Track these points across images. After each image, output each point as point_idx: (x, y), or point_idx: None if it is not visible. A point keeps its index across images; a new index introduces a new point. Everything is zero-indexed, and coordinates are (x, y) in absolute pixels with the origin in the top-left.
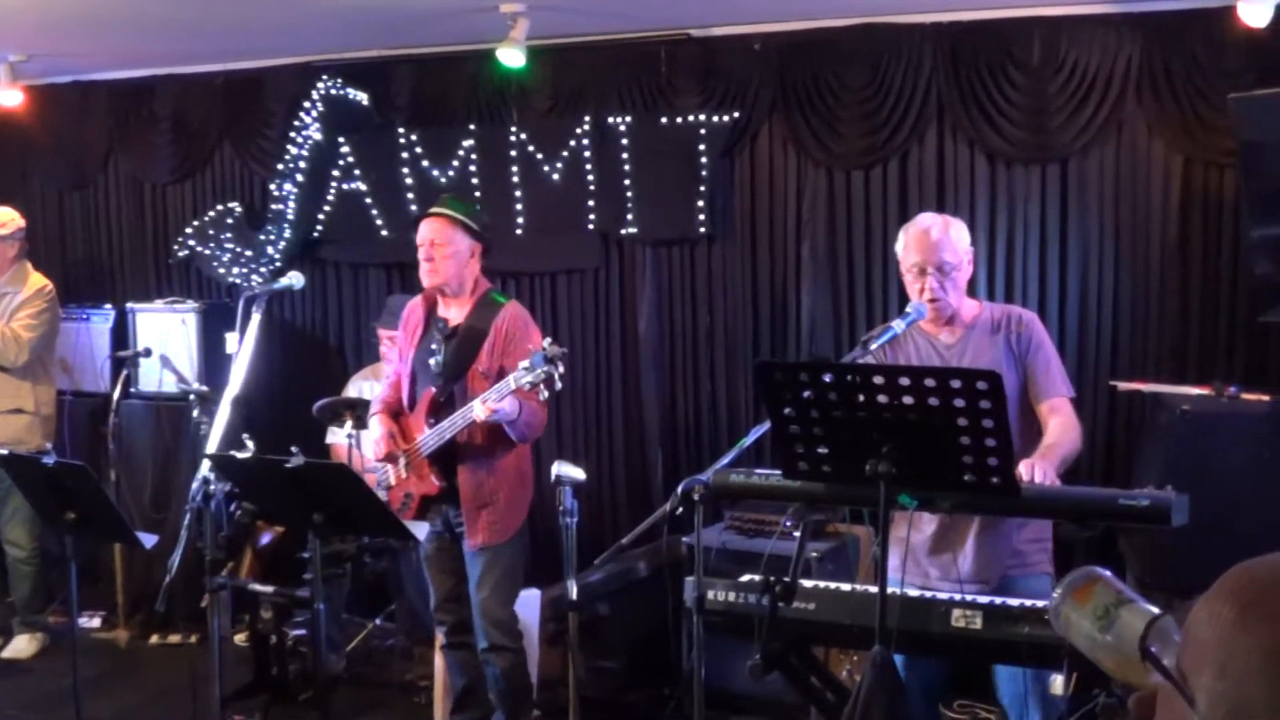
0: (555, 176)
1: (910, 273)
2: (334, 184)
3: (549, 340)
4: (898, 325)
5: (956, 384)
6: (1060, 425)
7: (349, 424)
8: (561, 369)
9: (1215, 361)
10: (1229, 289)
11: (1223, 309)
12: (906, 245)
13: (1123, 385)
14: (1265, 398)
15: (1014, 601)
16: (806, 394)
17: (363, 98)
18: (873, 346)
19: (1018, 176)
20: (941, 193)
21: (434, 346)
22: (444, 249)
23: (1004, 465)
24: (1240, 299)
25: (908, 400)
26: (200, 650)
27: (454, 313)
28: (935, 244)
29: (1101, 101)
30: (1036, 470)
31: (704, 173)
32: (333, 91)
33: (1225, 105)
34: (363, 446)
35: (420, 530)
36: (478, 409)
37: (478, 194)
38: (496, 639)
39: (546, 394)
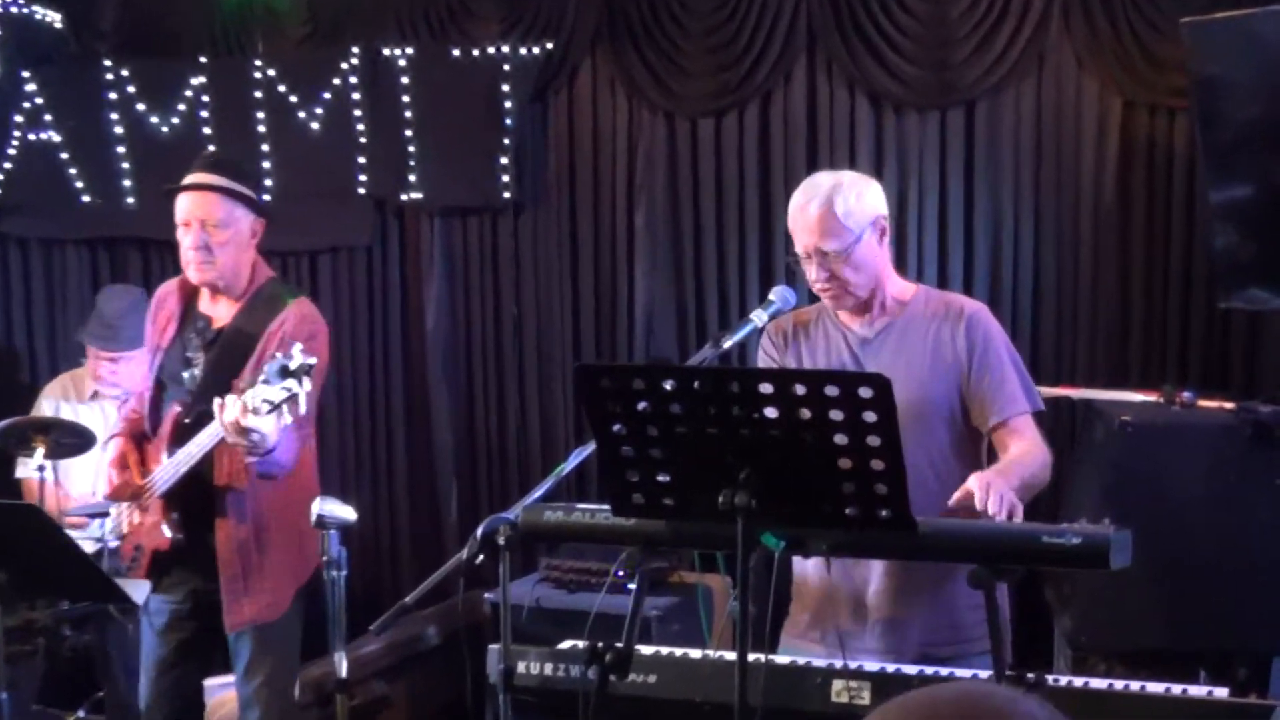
0: (314, 126)
1: (800, 256)
2: (16, 134)
3: (299, 347)
4: (758, 317)
5: (832, 391)
6: (1025, 446)
7: (40, 452)
8: (308, 386)
9: (1164, 360)
10: (1181, 268)
11: (1173, 293)
12: (790, 223)
13: (1047, 390)
14: (1227, 405)
15: (911, 669)
16: (642, 406)
17: (55, 19)
18: (726, 344)
19: (911, 125)
20: (814, 146)
21: (190, 354)
22: (221, 232)
23: (894, 493)
24: (1195, 280)
25: (771, 413)
26: None
27: (221, 310)
28: (814, 223)
29: (1018, 29)
30: (991, 492)
31: (508, 121)
32: (13, 10)
33: (1175, 33)
34: (66, 481)
35: (139, 591)
36: (230, 409)
37: (211, 148)
38: None
39: (288, 419)
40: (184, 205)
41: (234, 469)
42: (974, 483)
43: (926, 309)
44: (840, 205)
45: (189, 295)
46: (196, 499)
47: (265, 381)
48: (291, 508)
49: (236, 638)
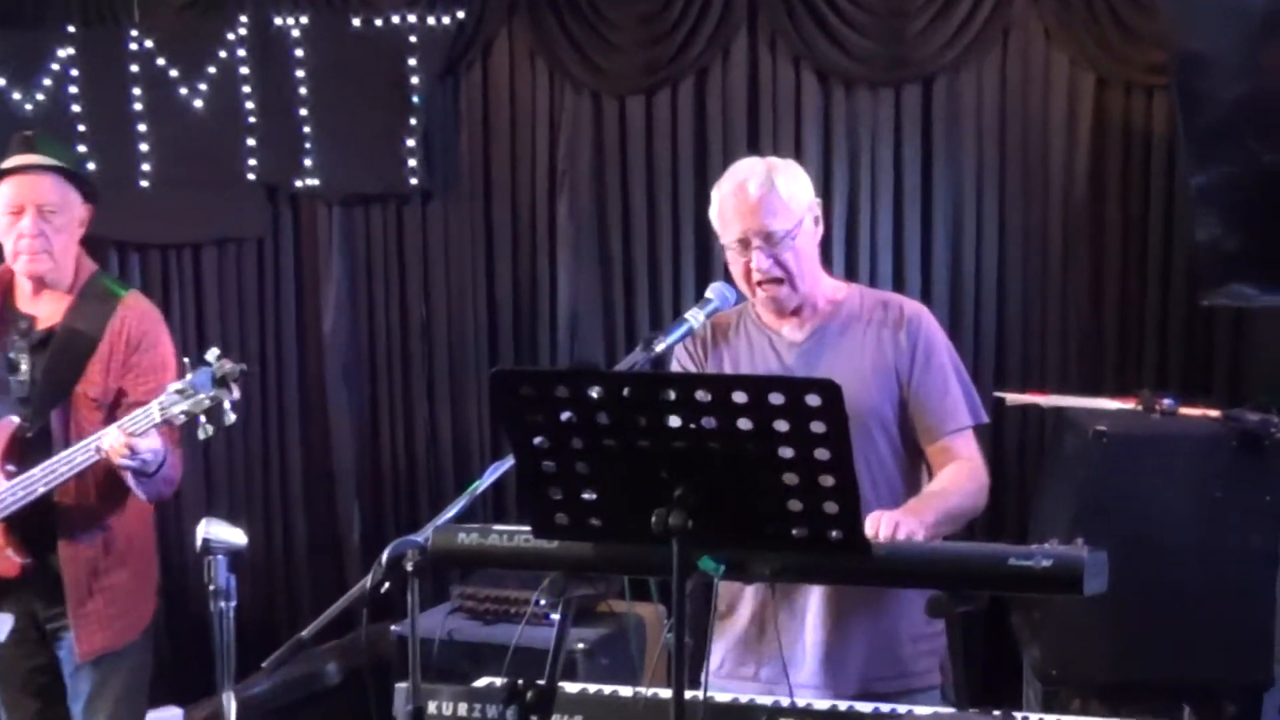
0: (197, 104)
1: (732, 250)
2: None
3: (216, 352)
4: (694, 318)
5: (777, 399)
6: (955, 471)
7: None
8: (236, 394)
9: (1142, 363)
10: (1159, 261)
11: (1151, 290)
12: (720, 211)
13: (1012, 397)
14: (1212, 413)
15: (865, 707)
16: (565, 416)
17: None
18: (659, 347)
19: (862, 103)
20: (755, 127)
21: (13, 356)
22: (55, 218)
23: (845, 512)
24: (1175, 275)
25: (709, 423)
26: None
27: (45, 308)
28: (757, 203)
29: None
30: (891, 526)
31: (415, 99)
32: None
33: (1153, 4)
34: None
35: (2, 626)
36: (111, 439)
37: (81, 128)
38: None
39: (209, 431)
40: (14, 190)
41: (83, 485)
42: (871, 522)
43: (862, 310)
44: (783, 186)
45: (3, 291)
46: (35, 518)
47: (184, 391)
48: (140, 528)
49: (77, 670)
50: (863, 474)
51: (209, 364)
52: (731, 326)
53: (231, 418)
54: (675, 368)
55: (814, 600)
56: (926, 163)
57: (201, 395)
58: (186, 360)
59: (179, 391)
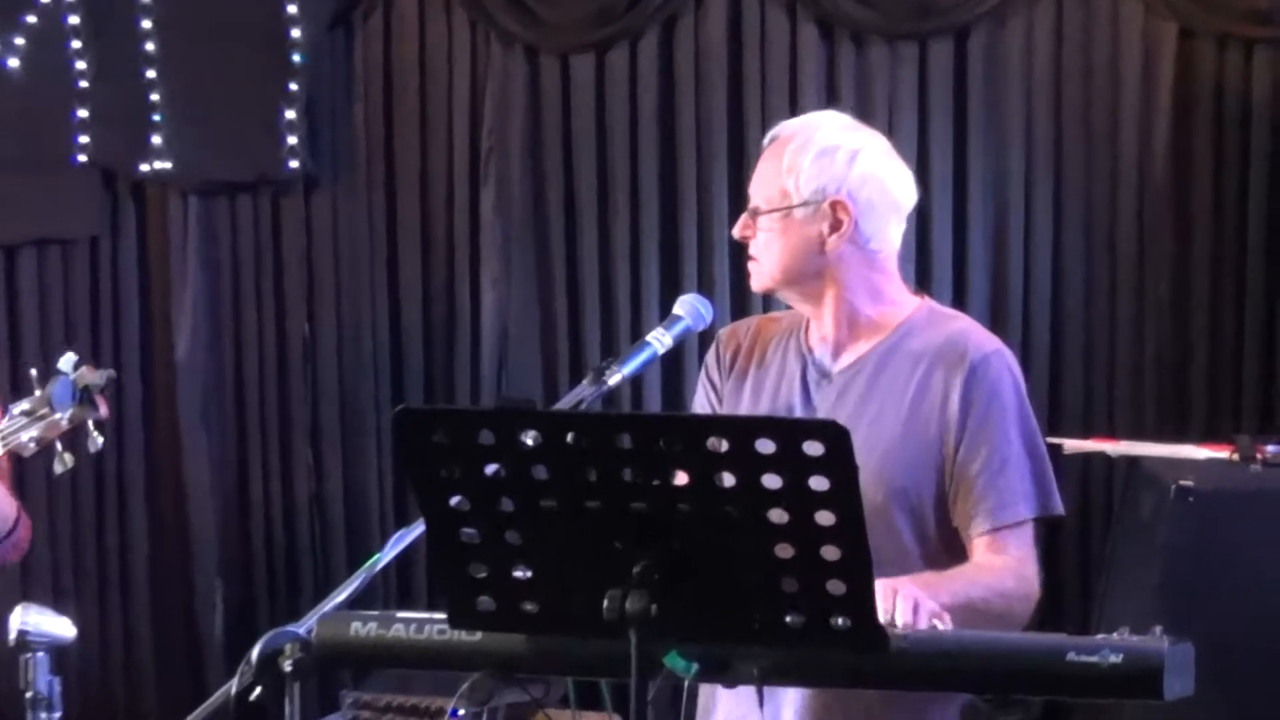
0: (11, 64)
1: None
2: None
3: (72, 359)
4: (659, 341)
5: (767, 447)
6: (993, 562)
7: None
8: (104, 412)
9: (1238, 401)
10: (1263, 265)
11: (1252, 302)
12: None
13: (1071, 444)
14: None
15: None
16: (492, 469)
17: None
18: (613, 380)
19: (876, 63)
20: (737, 94)
21: None
22: None
23: (855, 593)
24: None
25: (680, 479)
26: None
27: None
28: (764, 155)
29: None
30: (910, 604)
31: (296, 58)
32: None
33: None
34: None
35: None
36: None
37: None
38: None
39: (68, 462)
40: None
41: None
42: (882, 597)
43: (922, 337)
44: (794, 152)
45: None
46: None
47: (30, 413)
48: None
49: None
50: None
51: (65, 374)
52: (777, 338)
53: (99, 442)
54: (701, 383)
55: (810, 707)
56: (959, 140)
57: (58, 415)
58: (34, 372)
59: (26, 412)
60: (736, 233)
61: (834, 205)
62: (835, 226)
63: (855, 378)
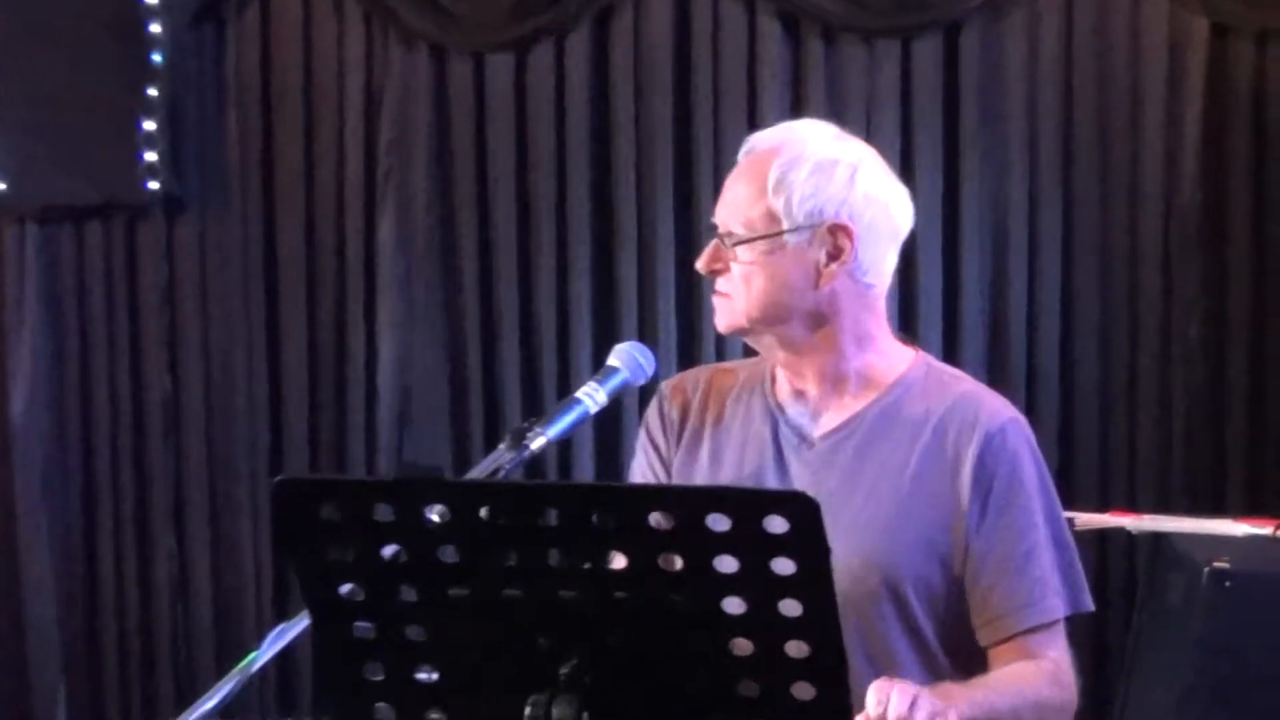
0: None
1: None
2: None
3: None
4: (590, 398)
5: (721, 524)
6: (1024, 669)
7: None
8: None
9: None
10: None
11: None
12: None
13: (1085, 518)
14: None
15: None
16: (390, 551)
17: None
18: (536, 443)
19: (851, 62)
20: (684, 99)
21: None
22: None
23: (828, 698)
24: None
25: (617, 562)
26: None
27: None
28: (738, 170)
29: None
30: (906, 703)
31: (156, 58)
32: None
33: None
34: None
35: None
36: None
37: None
38: None
39: None
40: None
41: None
42: (874, 700)
43: (921, 399)
44: (783, 167)
45: None
46: None
47: None
48: None
49: None
50: (861, 666)
51: None
52: (736, 390)
53: None
54: (641, 443)
55: None
56: (950, 154)
57: None
58: None
59: None
60: (702, 266)
61: (834, 229)
62: (834, 255)
63: (843, 444)
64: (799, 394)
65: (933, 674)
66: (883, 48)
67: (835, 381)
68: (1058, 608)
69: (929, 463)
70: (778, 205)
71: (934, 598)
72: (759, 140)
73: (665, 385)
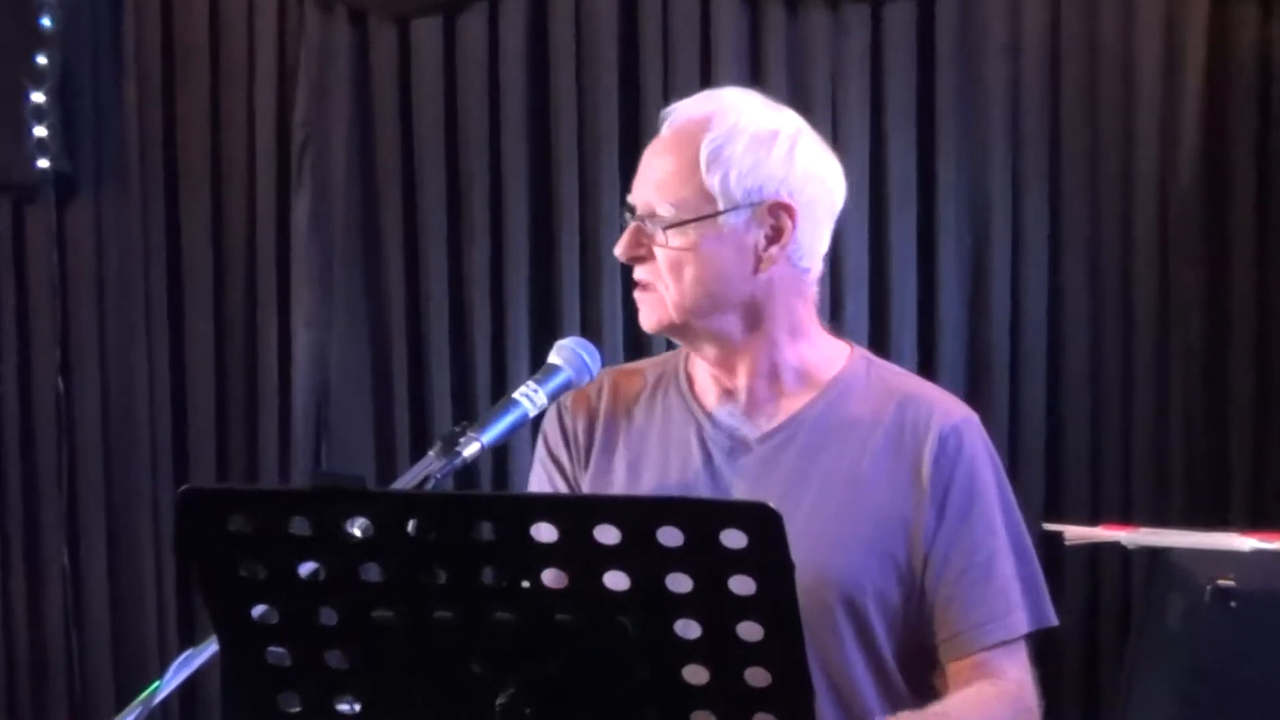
0: None
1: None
2: None
3: None
4: (529, 399)
5: (673, 538)
6: (981, 692)
7: None
8: None
9: None
10: None
11: None
12: None
13: (1075, 532)
14: None
15: None
16: (308, 568)
17: None
18: (469, 450)
19: (813, 30)
20: (632, 72)
21: None
22: None
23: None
24: None
25: (557, 580)
26: None
27: None
28: (651, 151)
29: None
30: None
31: (45, 23)
32: None
33: None
34: None
35: None
36: None
37: None
38: None
39: None
40: None
41: None
42: None
43: (864, 398)
44: (715, 140)
45: None
46: None
47: None
48: None
49: None
50: (820, 683)
51: None
52: (648, 391)
53: None
54: (539, 456)
55: None
56: (924, 128)
57: None
58: None
59: None
60: (622, 252)
61: (774, 208)
62: (774, 237)
63: (784, 448)
64: (727, 393)
65: (888, 694)
66: (851, 13)
67: (770, 377)
68: (1021, 622)
69: (880, 468)
70: (712, 183)
71: (891, 612)
72: (682, 110)
73: (564, 398)
